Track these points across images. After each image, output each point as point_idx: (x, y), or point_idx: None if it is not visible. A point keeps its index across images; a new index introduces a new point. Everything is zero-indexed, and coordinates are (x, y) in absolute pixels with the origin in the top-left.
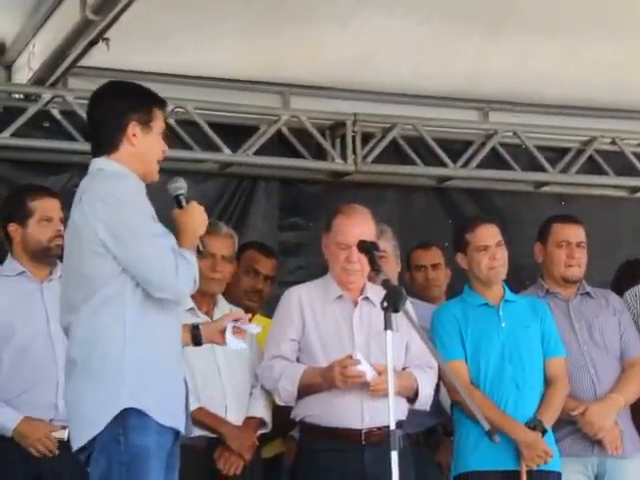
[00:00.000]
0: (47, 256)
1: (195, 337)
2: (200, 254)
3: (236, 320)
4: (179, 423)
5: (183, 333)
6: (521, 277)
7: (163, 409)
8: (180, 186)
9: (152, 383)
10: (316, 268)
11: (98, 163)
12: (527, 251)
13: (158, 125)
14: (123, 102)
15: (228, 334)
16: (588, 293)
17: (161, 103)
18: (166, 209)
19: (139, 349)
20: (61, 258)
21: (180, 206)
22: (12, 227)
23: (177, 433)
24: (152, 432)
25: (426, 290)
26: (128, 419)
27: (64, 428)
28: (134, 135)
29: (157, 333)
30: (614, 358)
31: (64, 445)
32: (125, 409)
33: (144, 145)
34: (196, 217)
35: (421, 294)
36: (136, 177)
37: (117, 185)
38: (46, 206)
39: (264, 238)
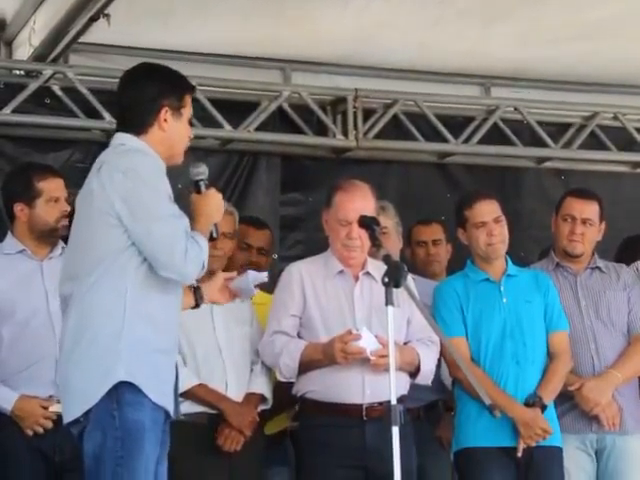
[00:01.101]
0: (53, 236)
1: (196, 297)
2: (213, 240)
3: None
4: (169, 404)
5: (184, 296)
6: (523, 251)
7: (156, 388)
8: (201, 171)
9: (147, 361)
10: (315, 243)
11: (123, 138)
12: (527, 226)
13: (188, 111)
14: (158, 86)
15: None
16: (599, 267)
17: (192, 89)
18: (172, 186)
19: (137, 325)
20: (63, 238)
21: (199, 191)
22: (18, 207)
23: (167, 413)
24: (146, 408)
25: (427, 266)
26: (122, 394)
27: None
28: (165, 120)
29: (157, 312)
30: (620, 334)
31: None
32: (120, 383)
33: (173, 130)
34: (213, 203)
35: (422, 270)
36: (159, 158)
37: (139, 160)
38: (53, 186)
39: (265, 214)
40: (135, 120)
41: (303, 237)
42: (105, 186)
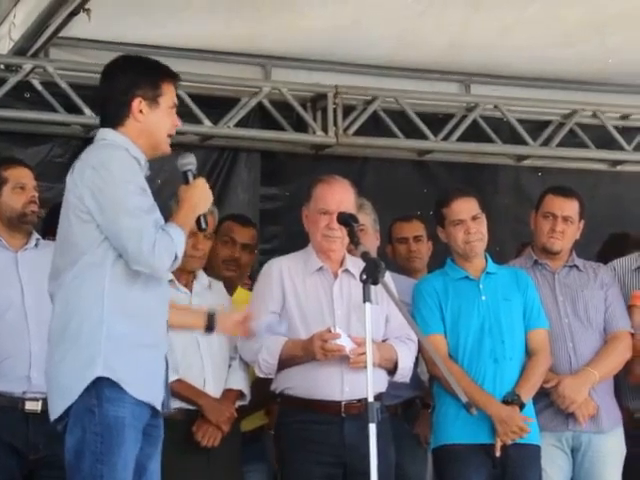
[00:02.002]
0: (22, 222)
1: (209, 323)
2: (202, 231)
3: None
4: (155, 399)
5: (195, 319)
6: (499, 247)
7: (139, 383)
8: (189, 162)
9: (129, 356)
10: (293, 237)
11: (102, 133)
12: (503, 221)
13: (167, 99)
14: (129, 78)
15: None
16: (577, 266)
17: (171, 77)
18: (152, 181)
19: (117, 320)
20: (36, 226)
21: (187, 182)
22: None
23: (155, 409)
24: (127, 403)
25: (408, 262)
26: (102, 390)
27: (36, 400)
28: (140, 111)
29: (139, 306)
30: (596, 332)
31: (38, 417)
32: (99, 378)
33: (150, 120)
34: (199, 193)
35: (403, 266)
36: (135, 149)
37: (110, 154)
38: (19, 174)
39: (245, 210)
40: (111, 113)
41: (280, 231)
42: (77, 182)
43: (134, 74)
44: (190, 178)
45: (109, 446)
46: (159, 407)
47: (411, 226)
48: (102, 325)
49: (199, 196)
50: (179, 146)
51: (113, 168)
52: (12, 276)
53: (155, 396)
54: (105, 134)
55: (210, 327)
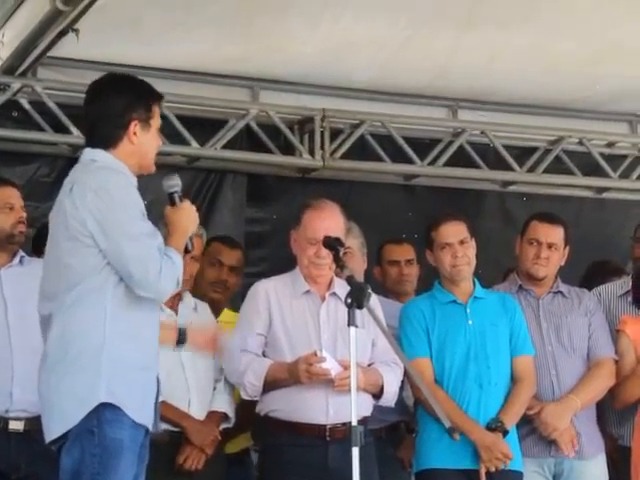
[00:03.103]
0: (10, 243)
1: (180, 338)
2: (188, 252)
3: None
4: (149, 421)
5: (164, 332)
6: (482, 270)
7: (137, 406)
8: (175, 184)
9: (129, 379)
10: (279, 260)
11: (92, 154)
12: (488, 246)
13: (156, 121)
14: (125, 99)
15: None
16: (561, 292)
17: (159, 98)
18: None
19: (118, 344)
20: (22, 246)
21: (173, 203)
22: None
23: (147, 429)
24: (126, 426)
25: (399, 285)
26: (103, 413)
27: (19, 419)
28: (135, 134)
29: (137, 329)
30: (580, 359)
31: (20, 436)
32: (101, 403)
33: (143, 142)
34: (187, 216)
35: (393, 289)
36: (129, 173)
37: (110, 179)
38: (7, 194)
39: (231, 231)
40: (104, 135)
41: (266, 254)
42: (77, 206)
43: (129, 96)
44: (177, 200)
45: (106, 468)
46: (152, 428)
47: (403, 249)
48: (103, 349)
49: (187, 219)
50: (166, 167)
51: (115, 193)
52: None
53: (148, 418)
54: (95, 155)
55: (181, 341)
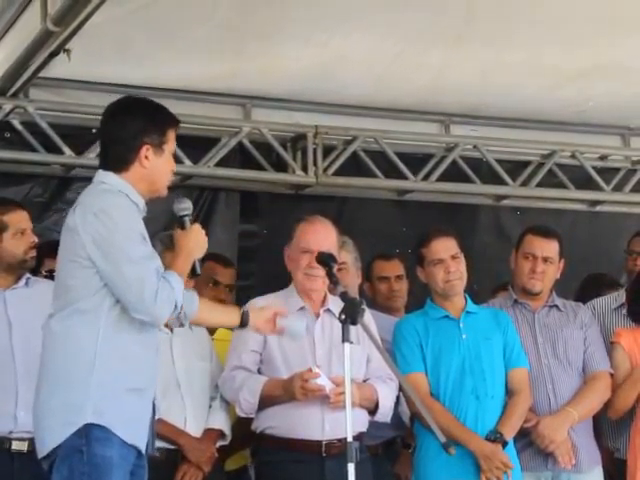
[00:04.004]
0: (23, 268)
1: (243, 319)
2: (195, 276)
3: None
4: (141, 442)
5: (230, 314)
6: (477, 284)
7: (127, 427)
8: (186, 207)
9: (119, 400)
10: (268, 275)
11: (102, 176)
12: (481, 260)
13: (170, 146)
14: (138, 123)
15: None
16: (557, 306)
17: (175, 123)
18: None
19: (108, 365)
20: (32, 270)
21: (183, 227)
22: None
23: (139, 450)
24: (115, 444)
25: (389, 301)
26: (91, 431)
27: (22, 440)
28: (146, 157)
29: (130, 351)
30: (575, 373)
31: (24, 457)
32: (87, 424)
33: (155, 167)
34: (194, 240)
35: (383, 304)
36: (136, 196)
37: (111, 201)
38: (18, 219)
39: (225, 248)
40: (115, 157)
41: (258, 268)
42: (78, 228)
43: (143, 120)
44: (187, 223)
45: None
46: (143, 450)
47: (392, 265)
48: (93, 370)
49: (195, 242)
50: None
51: (115, 215)
52: (0, 315)
53: (140, 439)
54: (105, 177)
55: (244, 323)
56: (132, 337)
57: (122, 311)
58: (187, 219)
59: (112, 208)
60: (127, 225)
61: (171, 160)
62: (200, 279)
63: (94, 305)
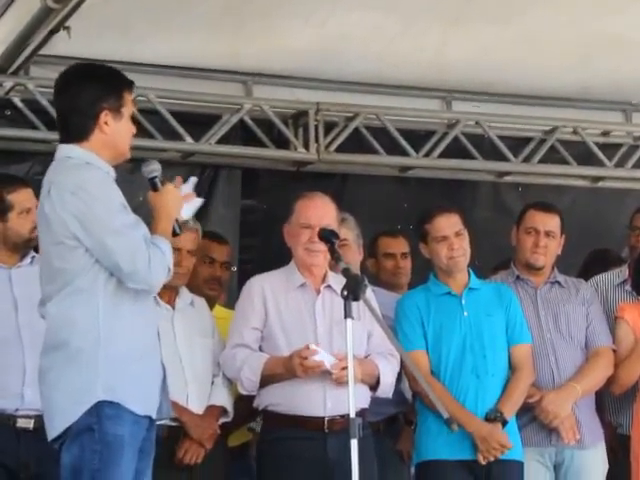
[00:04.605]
0: (28, 247)
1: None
2: (176, 236)
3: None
4: (152, 409)
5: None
6: (478, 261)
7: (137, 398)
8: (154, 168)
9: (127, 373)
10: (270, 250)
11: (66, 150)
12: (483, 236)
13: (128, 109)
14: (94, 89)
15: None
16: (558, 282)
17: (130, 85)
18: (134, 196)
19: (113, 339)
20: (37, 248)
21: (155, 188)
22: None
23: (152, 420)
24: (126, 422)
25: (395, 278)
26: (102, 409)
27: (29, 417)
28: (106, 123)
29: (132, 322)
30: (578, 348)
31: (29, 434)
32: (100, 401)
33: (115, 132)
34: (171, 199)
35: (388, 281)
36: (105, 165)
37: (85, 176)
38: (24, 198)
39: (227, 226)
40: (75, 128)
41: (259, 243)
42: (57, 209)
43: (98, 85)
44: (158, 185)
45: (107, 464)
46: (154, 415)
47: (398, 242)
48: (99, 346)
49: (171, 202)
50: (161, 163)
51: (92, 190)
52: (5, 293)
53: (152, 406)
54: (69, 151)
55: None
56: (131, 308)
57: (117, 284)
58: (157, 180)
59: (87, 183)
60: (106, 197)
61: (130, 123)
62: (195, 257)
63: (89, 283)
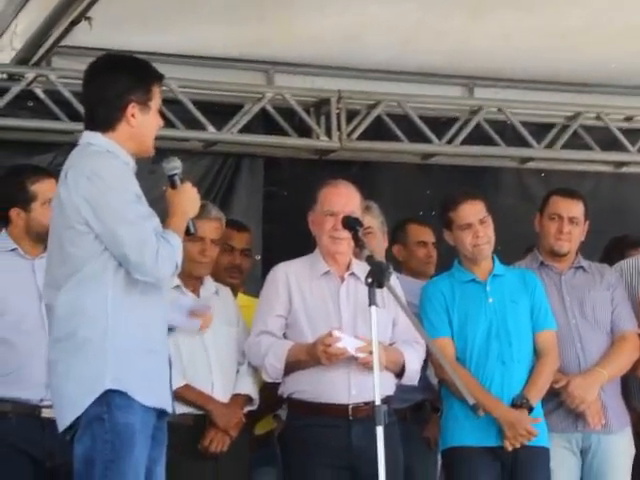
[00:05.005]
0: None
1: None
2: (190, 235)
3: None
4: (164, 402)
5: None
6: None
7: (146, 390)
8: (175, 166)
9: (135, 364)
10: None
11: (89, 137)
12: (506, 222)
13: (156, 102)
14: (123, 81)
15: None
16: (582, 267)
17: (160, 78)
18: (156, 187)
19: (122, 329)
20: None
21: (174, 186)
22: (14, 212)
23: (161, 411)
24: (136, 410)
25: (425, 266)
26: (112, 398)
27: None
28: (133, 116)
29: (141, 313)
30: (604, 333)
31: (54, 424)
32: (109, 390)
33: (142, 125)
34: (188, 198)
35: (418, 269)
36: (125, 156)
37: (103, 164)
38: (47, 188)
39: (249, 215)
40: (101, 117)
41: (281, 230)
42: (71, 193)
43: (128, 77)
44: (177, 182)
45: (119, 453)
46: (169, 409)
47: (428, 231)
48: (107, 336)
49: (188, 200)
50: (183, 152)
51: (108, 177)
52: (29, 283)
53: (163, 400)
54: (92, 138)
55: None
56: (140, 298)
57: (127, 274)
58: (177, 178)
59: (104, 170)
60: (121, 186)
61: (157, 116)
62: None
63: (98, 270)
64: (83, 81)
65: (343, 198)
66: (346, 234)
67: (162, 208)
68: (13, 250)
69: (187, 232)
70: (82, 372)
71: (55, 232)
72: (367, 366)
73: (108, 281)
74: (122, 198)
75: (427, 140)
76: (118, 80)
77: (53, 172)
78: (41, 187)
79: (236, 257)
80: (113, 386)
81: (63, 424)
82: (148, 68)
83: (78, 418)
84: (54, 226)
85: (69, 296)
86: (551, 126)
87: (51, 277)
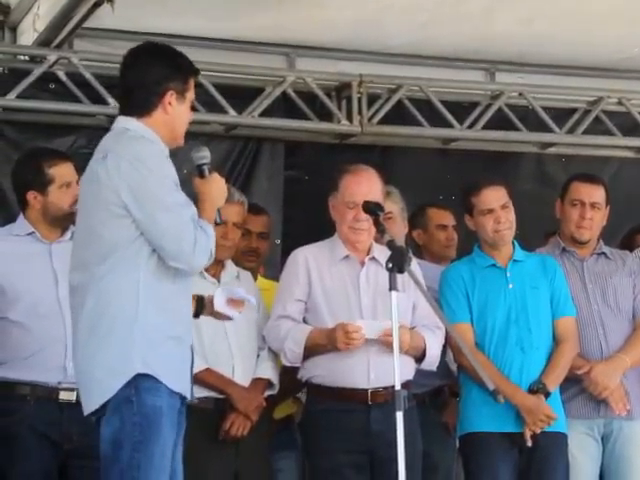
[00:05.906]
0: (68, 221)
1: (198, 308)
2: (217, 225)
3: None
4: (186, 389)
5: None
6: (524, 235)
7: (172, 375)
8: (205, 155)
9: (162, 349)
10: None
11: (125, 122)
12: (528, 209)
13: (191, 94)
14: (164, 68)
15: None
16: (604, 253)
17: (196, 73)
18: (178, 170)
19: (151, 315)
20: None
21: (202, 175)
22: (31, 195)
23: (183, 397)
24: (164, 394)
25: (446, 250)
26: (140, 381)
27: (72, 390)
28: (170, 104)
29: (169, 300)
30: (626, 320)
31: (72, 407)
32: (137, 374)
33: (177, 114)
34: (216, 188)
35: (439, 253)
36: (161, 143)
37: (145, 149)
38: (64, 172)
39: (269, 199)
40: (139, 103)
41: (302, 214)
42: (112, 176)
43: (168, 65)
44: (206, 172)
45: (147, 435)
46: (189, 396)
47: (448, 215)
48: (137, 320)
49: (217, 191)
50: (204, 136)
51: (149, 163)
52: (46, 267)
53: (185, 386)
54: (127, 123)
55: (197, 312)
56: (170, 286)
57: (160, 259)
58: (206, 167)
59: (146, 156)
60: (161, 172)
61: (189, 109)
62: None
63: (132, 255)
64: (121, 66)
65: (364, 187)
66: (366, 224)
67: (187, 190)
68: (30, 234)
69: (215, 222)
70: (111, 355)
71: (85, 214)
72: (390, 346)
73: (140, 266)
74: (162, 184)
75: (448, 125)
76: (158, 67)
77: (73, 155)
78: (59, 170)
79: (252, 240)
80: (143, 370)
81: (90, 407)
82: (186, 60)
83: (107, 401)
84: (84, 208)
85: (101, 280)
86: (573, 111)
87: (78, 259)
